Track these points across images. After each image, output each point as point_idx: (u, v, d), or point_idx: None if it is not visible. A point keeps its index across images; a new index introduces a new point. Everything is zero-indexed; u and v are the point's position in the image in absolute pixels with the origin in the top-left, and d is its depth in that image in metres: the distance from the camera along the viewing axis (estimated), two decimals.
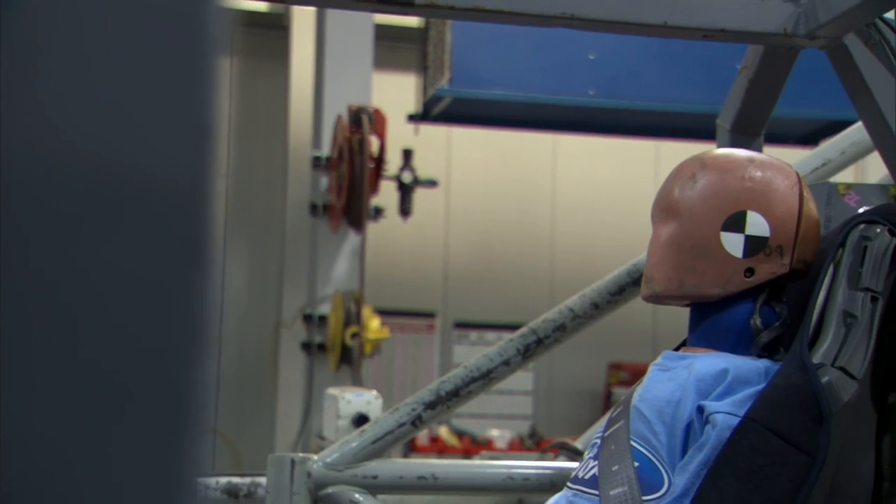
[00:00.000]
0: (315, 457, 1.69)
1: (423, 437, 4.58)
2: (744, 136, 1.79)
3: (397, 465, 1.79)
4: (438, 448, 4.55)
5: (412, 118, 4.33)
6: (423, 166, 4.49)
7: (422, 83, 4.12)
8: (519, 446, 4.79)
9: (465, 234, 5.57)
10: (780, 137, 3.83)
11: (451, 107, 4.17)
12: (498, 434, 4.82)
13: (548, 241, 5.70)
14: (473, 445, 4.62)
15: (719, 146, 1.83)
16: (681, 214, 1.40)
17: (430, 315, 5.44)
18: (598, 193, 5.41)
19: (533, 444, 4.80)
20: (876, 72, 1.61)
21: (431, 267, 5.49)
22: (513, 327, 2.14)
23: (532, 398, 5.55)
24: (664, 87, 4.24)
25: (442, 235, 5.54)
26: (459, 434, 4.80)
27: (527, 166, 5.62)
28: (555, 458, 2.24)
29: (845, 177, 2.06)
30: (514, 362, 1.86)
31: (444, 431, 4.71)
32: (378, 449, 1.72)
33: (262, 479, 1.77)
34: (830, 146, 1.99)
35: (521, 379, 5.48)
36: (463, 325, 5.46)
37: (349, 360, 3.77)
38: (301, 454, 1.68)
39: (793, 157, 2.08)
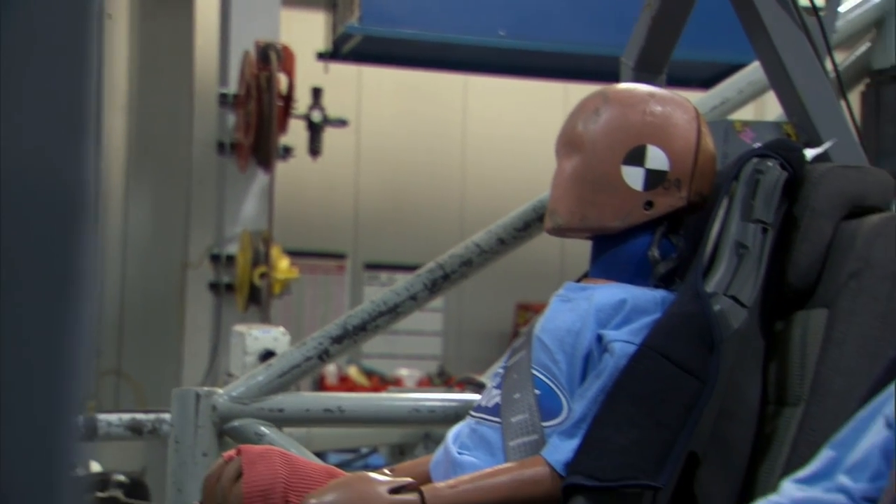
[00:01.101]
0: (220, 390, 1.68)
1: (332, 376, 4.59)
2: (647, 73, 1.81)
3: (304, 398, 1.79)
4: (347, 387, 4.57)
5: (321, 56, 4.26)
6: (334, 105, 4.43)
7: (331, 21, 4.04)
8: (428, 385, 4.84)
9: (376, 174, 5.54)
10: (684, 80, 3.89)
11: (361, 45, 4.11)
12: (407, 373, 4.87)
13: (458, 181, 5.72)
14: (382, 384, 4.66)
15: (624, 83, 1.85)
16: (584, 148, 1.42)
17: (340, 256, 5.41)
18: (508, 133, 5.43)
19: (441, 382, 4.86)
20: (773, 10, 1.64)
21: (342, 208, 5.45)
22: None
23: (442, 339, 5.60)
24: (574, 28, 4.25)
25: (352, 176, 5.50)
26: (369, 374, 4.83)
27: (438, 106, 5.60)
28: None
29: (746, 115, 2.10)
30: (421, 297, 1.87)
31: (353, 371, 4.73)
32: (284, 383, 1.72)
33: (167, 416, 1.75)
34: (729, 85, 2.04)
35: (431, 320, 5.52)
36: (373, 267, 5.46)
37: (258, 301, 3.74)
38: (206, 388, 1.68)
39: (694, 97, 2.12)
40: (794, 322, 1.34)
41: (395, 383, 4.67)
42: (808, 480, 0.82)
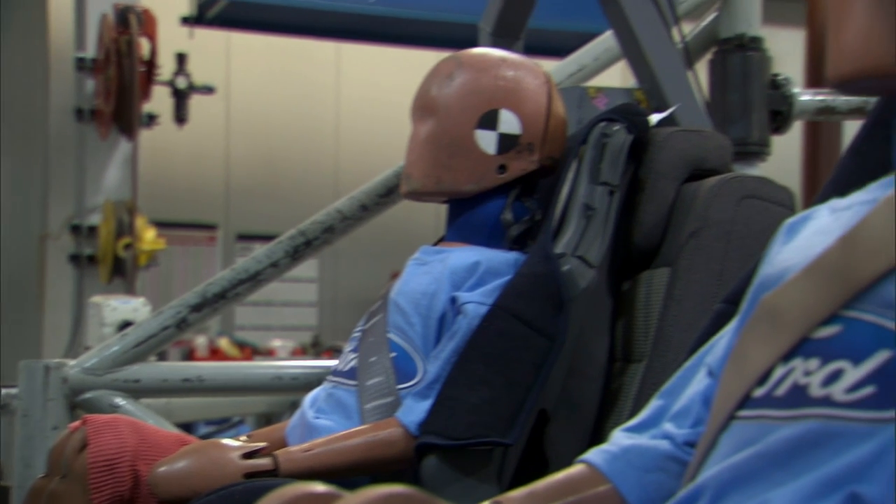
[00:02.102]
0: (72, 362, 1.63)
1: (202, 348, 4.51)
2: (504, 39, 1.83)
3: (161, 368, 1.76)
4: (219, 359, 4.51)
5: (186, 21, 4.13)
6: (201, 72, 4.31)
7: None
8: (301, 355, 4.81)
9: (247, 142, 5.44)
10: (545, 49, 3.95)
11: (227, 10, 4.01)
12: (280, 344, 4.83)
13: (332, 148, 5.67)
14: (254, 356, 4.61)
15: None
16: (438, 112, 1.43)
17: (211, 227, 5.31)
18: (383, 99, 5.40)
19: (315, 353, 4.84)
20: None
21: (212, 177, 5.33)
22: None
23: (317, 309, 5.58)
24: None
25: (222, 144, 5.39)
26: (241, 345, 4.77)
27: (310, 72, 5.52)
28: None
29: (614, 80, 2.12)
30: (282, 264, 1.85)
31: (224, 343, 4.66)
32: (141, 353, 1.68)
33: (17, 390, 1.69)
34: (585, 52, 2.08)
35: (306, 290, 5.48)
36: (246, 237, 5.38)
37: (122, 273, 3.63)
38: (56, 360, 1.62)
39: (553, 65, 2.16)
40: (639, 281, 1.39)
41: (268, 354, 4.63)
42: (637, 428, 0.86)
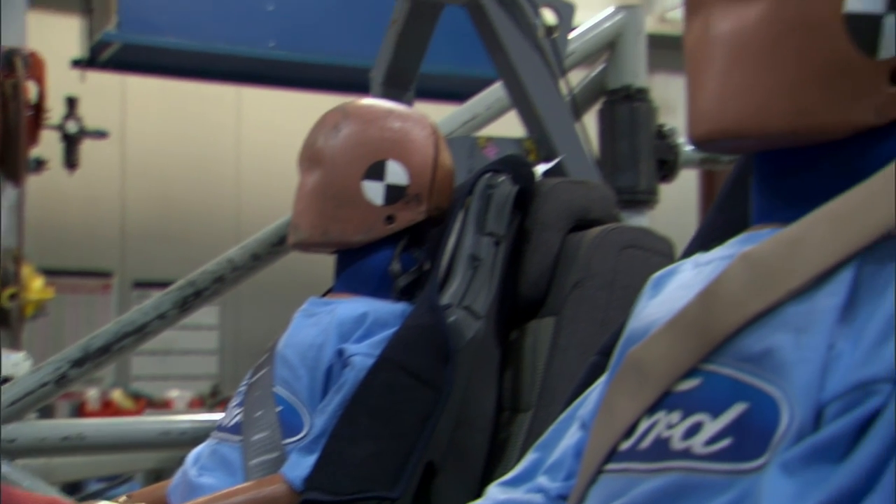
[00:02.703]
0: None
1: (94, 401, 4.36)
2: (395, 88, 1.85)
3: (39, 427, 1.69)
4: (112, 412, 4.36)
5: (77, 64, 4.04)
6: (94, 116, 4.22)
7: (87, 27, 3.85)
8: (199, 406, 4.70)
9: (144, 186, 5.33)
10: (445, 94, 3.99)
11: (120, 53, 3.94)
12: (177, 394, 4.70)
13: (233, 192, 5.60)
14: (150, 408, 4.47)
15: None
16: (324, 163, 1.43)
17: (105, 274, 5.16)
18: (284, 143, 5.34)
19: (215, 403, 4.73)
20: (510, 31, 1.72)
21: (106, 223, 5.20)
22: None
23: (217, 357, 5.46)
24: (345, 40, 4.26)
25: (117, 188, 5.27)
26: (135, 397, 4.62)
27: (210, 115, 5.46)
28: None
29: (516, 128, 2.14)
30: (170, 315, 1.81)
31: (117, 395, 4.51)
32: (17, 411, 1.61)
33: None
34: (478, 101, 2.10)
35: (206, 337, 5.37)
36: (143, 284, 5.24)
37: (6, 324, 3.49)
38: None
39: (449, 111, 2.18)
40: (527, 331, 1.40)
41: (164, 406, 4.50)
42: (512, 482, 0.86)
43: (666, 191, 2.38)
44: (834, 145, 0.73)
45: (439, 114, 2.23)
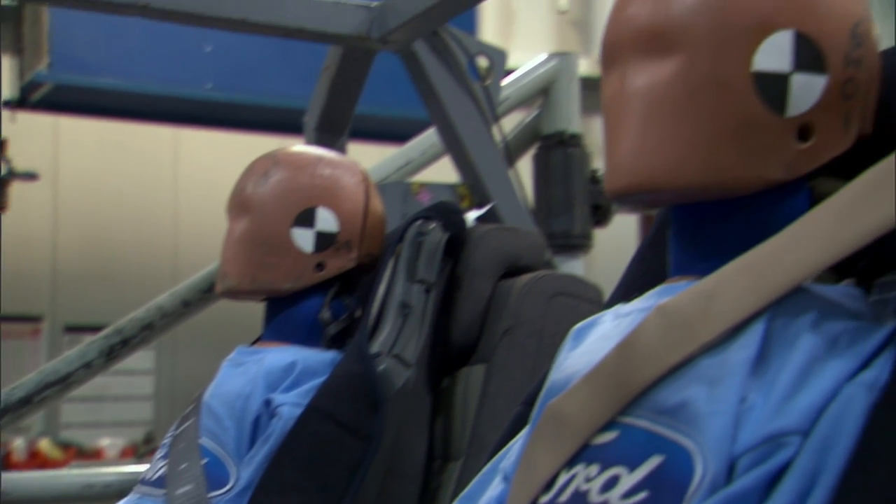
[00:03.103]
0: None
1: (20, 451, 4.21)
2: (328, 134, 1.84)
3: None
4: (39, 463, 4.21)
5: (7, 105, 3.97)
6: (26, 156, 4.14)
7: (17, 67, 3.79)
8: (132, 454, 4.57)
9: (77, 228, 5.23)
10: (386, 135, 4.00)
11: (52, 94, 3.88)
12: (109, 443, 4.57)
13: (171, 233, 5.52)
14: (80, 457, 4.33)
15: (307, 144, 1.88)
16: (253, 210, 1.41)
17: (35, 319, 5.03)
18: (223, 184, 5.31)
19: (148, 450, 4.62)
20: (443, 78, 1.73)
21: (37, 266, 5.08)
22: None
23: (152, 403, 5.34)
24: (283, 82, 4.25)
25: (49, 230, 5.16)
26: (65, 446, 4.48)
27: (147, 155, 5.39)
28: None
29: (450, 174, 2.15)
30: (96, 365, 1.77)
31: (45, 445, 4.37)
32: None
33: None
34: (413, 146, 2.11)
35: (141, 383, 5.25)
36: (76, 329, 5.12)
37: None
38: None
39: (384, 155, 2.19)
40: (458, 378, 1.39)
41: (95, 455, 4.37)
42: None
43: (605, 235, 2.40)
44: (746, 200, 0.75)
45: (380, 155, 2.24)
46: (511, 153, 1.91)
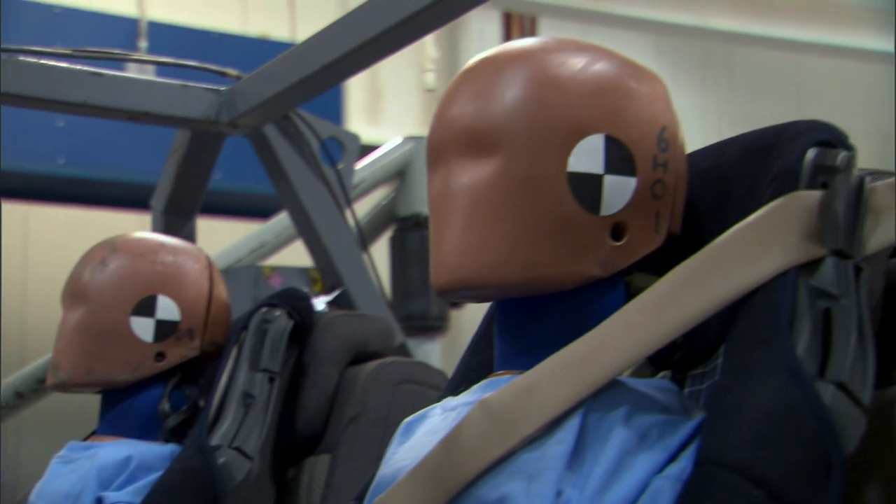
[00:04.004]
0: None
1: None
2: (176, 217, 1.81)
3: None
4: None
5: None
6: None
7: None
8: None
9: None
10: (246, 211, 3.96)
11: None
12: None
13: (18, 314, 5.27)
14: None
15: (154, 229, 1.83)
16: (90, 299, 1.36)
17: None
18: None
19: None
20: (293, 161, 1.73)
21: None
22: None
23: None
24: (139, 158, 4.17)
25: None
26: None
27: None
28: None
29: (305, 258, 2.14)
30: None
31: None
32: None
33: None
34: (267, 229, 2.10)
35: None
36: None
37: None
38: None
39: (236, 235, 2.16)
40: (303, 468, 1.36)
41: None
42: None
43: (474, 313, 2.42)
44: (564, 296, 0.77)
45: (237, 232, 2.21)
46: (365, 236, 1.92)
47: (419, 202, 2.29)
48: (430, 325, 2.25)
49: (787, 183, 0.72)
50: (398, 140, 2.29)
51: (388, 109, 5.80)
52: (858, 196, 0.70)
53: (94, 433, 1.41)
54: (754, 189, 0.76)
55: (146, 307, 1.36)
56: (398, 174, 2.26)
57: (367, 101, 5.62)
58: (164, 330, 1.37)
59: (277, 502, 1.34)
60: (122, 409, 1.37)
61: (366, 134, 2.77)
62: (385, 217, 2.27)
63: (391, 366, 1.37)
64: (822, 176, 0.71)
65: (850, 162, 0.72)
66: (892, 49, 4.84)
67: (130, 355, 1.35)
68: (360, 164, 2.19)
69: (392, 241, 2.27)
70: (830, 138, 0.74)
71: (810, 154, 0.72)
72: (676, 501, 0.62)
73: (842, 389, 0.63)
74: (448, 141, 0.79)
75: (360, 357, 1.43)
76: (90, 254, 1.40)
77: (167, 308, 1.37)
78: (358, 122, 4.39)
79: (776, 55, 5.30)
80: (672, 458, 0.67)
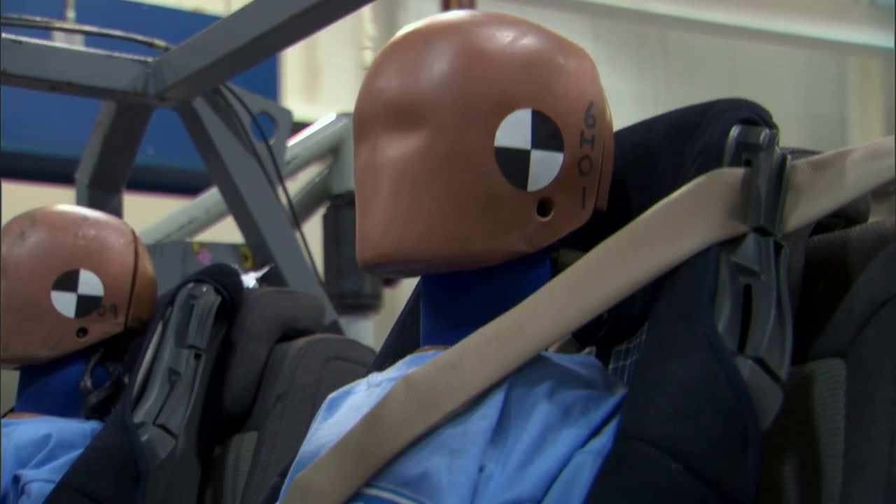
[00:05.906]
0: None
1: None
2: (102, 192, 1.76)
3: None
4: None
5: None
6: None
7: None
8: None
9: None
10: (178, 188, 3.89)
11: None
12: None
13: None
14: None
15: (78, 202, 1.79)
16: (8, 273, 1.32)
17: None
18: None
19: None
20: (223, 135, 1.70)
21: None
22: None
23: None
24: (65, 131, 4.05)
25: None
26: None
27: None
28: None
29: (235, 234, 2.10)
30: None
31: None
32: None
33: None
34: (196, 205, 2.06)
35: None
36: None
37: None
38: None
39: (166, 211, 2.12)
40: (230, 446, 1.34)
41: None
42: None
43: (400, 294, 2.41)
44: (490, 271, 0.77)
45: (165, 208, 2.16)
46: (297, 213, 1.90)
47: (352, 180, 2.27)
48: (363, 303, 2.24)
49: (710, 160, 0.73)
50: (332, 117, 2.27)
51: (325, 87, 5.74)
52: (780, 174, 0.70)
53: (11, 410, 1.37)
54: (679, 166, 0.77)
55: (68, 282, 1.33)
56: (332, 151, 2.24)
57: (305, 78, 5.56)
58: (87, 305, 1.33)
59: (203, 480, 1.32)
60: (41, 386, 1.33)
61: (303, 111, 2.74)
62: (318, 194, 2.25)
63: (320, 343, 1.35)
64: (746, 153, 0.72)
65: (773, 140, 0.72)
66: (825, 34, 4.94)
67: (51, 331, 1.32)
68: (294, 141, 2.16)
69: (325, 218, 2.25)
70: (754, 116, 0.74)
71: (734, 132, 0.73)
72: (597, 475, 0.63)
73: (760, 365, 0.64)
74: (375, 114, 0.78)
75: (290, 334, 1.41)
76: (9, 227, 1.36)
77: (90, 283, 1.34)
78: (295, 100, 4.33)
79: (710, 39, 5.37)
80: (594, 433, 0.67)
